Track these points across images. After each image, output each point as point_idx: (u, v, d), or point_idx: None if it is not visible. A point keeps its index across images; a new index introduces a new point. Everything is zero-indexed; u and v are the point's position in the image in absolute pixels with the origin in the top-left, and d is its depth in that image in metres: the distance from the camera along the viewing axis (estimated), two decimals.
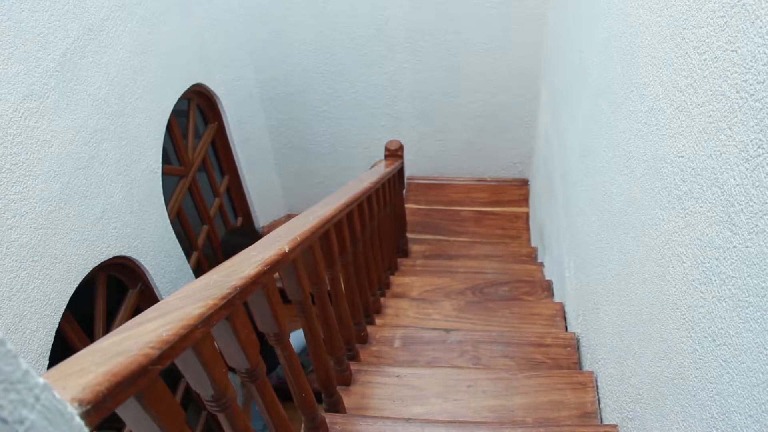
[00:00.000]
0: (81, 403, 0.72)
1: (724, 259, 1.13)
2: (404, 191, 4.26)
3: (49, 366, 2.27)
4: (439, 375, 2.47)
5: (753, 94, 1.01)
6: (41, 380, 0.44)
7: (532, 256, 4.42)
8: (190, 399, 3.67)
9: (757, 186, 1.00)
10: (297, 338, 3.71)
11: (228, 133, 4.56)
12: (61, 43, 2.44)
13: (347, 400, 2.30)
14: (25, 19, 2.24)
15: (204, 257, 4.13)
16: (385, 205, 3.43)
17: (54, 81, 2.39)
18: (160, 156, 3.33)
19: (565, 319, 3.13)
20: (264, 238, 1.62)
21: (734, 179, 1.08)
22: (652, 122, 1.59)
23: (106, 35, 2.78)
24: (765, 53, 0.98)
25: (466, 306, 3.27)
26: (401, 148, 3.73)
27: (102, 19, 2.74)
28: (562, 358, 2.72)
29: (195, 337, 1.01)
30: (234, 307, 1.19)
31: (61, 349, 2.40)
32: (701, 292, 1.24)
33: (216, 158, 4.59)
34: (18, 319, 2.13)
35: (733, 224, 1.09)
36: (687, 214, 1.33)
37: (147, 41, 3.18)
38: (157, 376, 0.93)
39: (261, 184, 5.15)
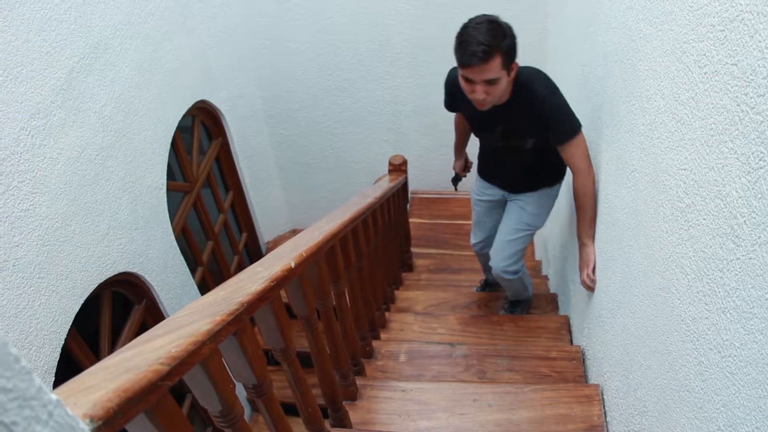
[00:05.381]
0: (92, 419, 0.72)
1: (728, 270, 1.13)
2: (408, 206, 4.27)
3: (55, 383, 2.27)
4: (444, 389, 2.46)
5: (753, 107, 1.02)
6: (54, 396, 0.44)
7: (536, 269, 4.42)
8: (197, 413, 3.67)
9: (760, 198, 1.00)
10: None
11: (232, 149, 4.58)
12: (67, 62, 2.47)
13: (353, 415, 2.29)
14: (32, 39, 2.26)
15: (209, 273, 4.14)
16: (390, 219, 3.44)
17: (60, 99, 2.41)
18: (165, 172, 3.34)
19: (570, 332, 3.13)
20: (270, 254, 1.63)
21: (736, 191, 1.09)
22: (654, 135, 1.60)
23: (112, 53, 2.81)
24: (765, 67, 0.99)
25: (470, 320, 3.27)
26: (405, 162, 3.74)
27: (108, 38, 2.77)
28: (568, 371, 2.72)
29: (203, 353, 1.02)
30: (241, 323, 1.20)
31: (67, 365, 2.40)
32: (705, 304, 1.25)
33: (220, 174, 4.61)
34: (24, 336, 2.14)
35: (736, 236, 1.09)
36: (690, 226, 1.34)
37: (152, 59, 3.21)
38: (167, 392, 0.93)
39: (265, 199, 5.16)
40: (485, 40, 2.07)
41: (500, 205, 3.06)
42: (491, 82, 2.18)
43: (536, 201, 2.86)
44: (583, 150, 2.35)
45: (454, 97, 2.68)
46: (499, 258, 2.97)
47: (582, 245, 2.53)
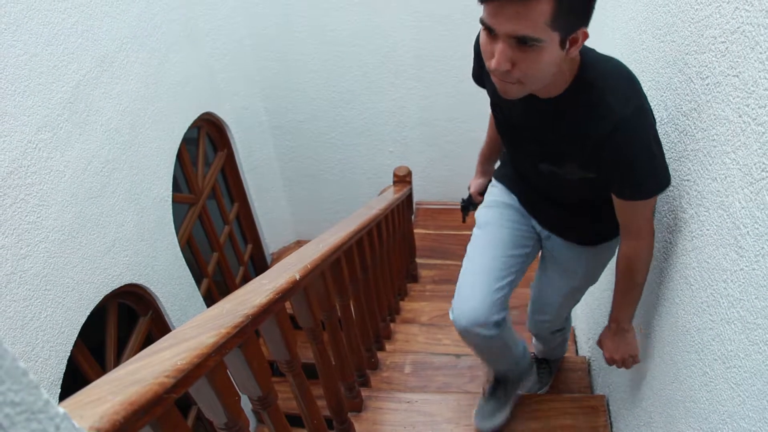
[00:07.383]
0: (99, 431, 0.73)
1: (732, 281, 1.13)
2: (413, 217, 4.27)
3: (61, 394, 2.28)
4: (450, 400, 2.46)
5: (755, 119, 1.03)
6: (61, 410, 0.45)
7: None
8: (201, 425, 3.66)
9: (762, 209, 1.01)
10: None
11: (237, 161, 4.60)
12: (74, 75, 2.49)
13: (358, 427, 2.29)
14: (40, 53, 2.29)
15: (214, 284, 4.15)
16: (395, 231, 3.44)
17: (67, 112, 2.43)
18: (171, 184, 3.36)
19: (575, 342, 3.12)
20: (275, 266, 1.64)
21: (739, 202, 1.09)
22: None
23: (118, 66, 2.83)
24: (766, 78, 0.99)
25: None
26: (409, 173, 3.75)
27: (114, 51, 2.80)
28: (574, 381, 2.71)
29: (209, 366, 1.02)
30: (246, 335, 1.20)
31: (73, 377, 2.41)
32: (710, 315, 1.24)
33: (226, 186, 4.63)
34: (31, 348, 2.15)
35: (740, 247, 1.09)
36: (693, 236, 1.34)
37: (158, 71, 3.23)
38: (172, 404, 0.94)
39: (270, 210, 5.17)
40: None
41: (523, 221, 1.98)
42: (524, 45, 1.17)
43: (591, 259, 1.95)
44: (651, 210, 1.49)
45: (483, 66, 1.39)
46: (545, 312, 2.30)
47: (620, 330, 1.72)
